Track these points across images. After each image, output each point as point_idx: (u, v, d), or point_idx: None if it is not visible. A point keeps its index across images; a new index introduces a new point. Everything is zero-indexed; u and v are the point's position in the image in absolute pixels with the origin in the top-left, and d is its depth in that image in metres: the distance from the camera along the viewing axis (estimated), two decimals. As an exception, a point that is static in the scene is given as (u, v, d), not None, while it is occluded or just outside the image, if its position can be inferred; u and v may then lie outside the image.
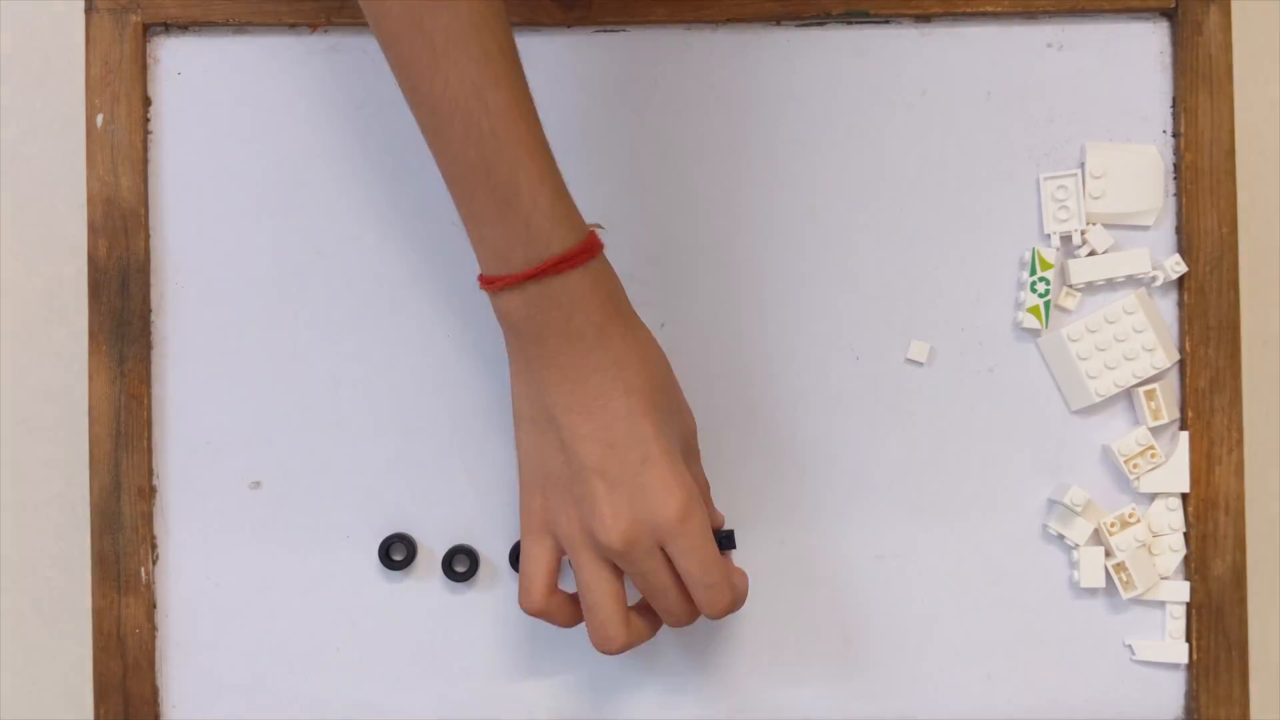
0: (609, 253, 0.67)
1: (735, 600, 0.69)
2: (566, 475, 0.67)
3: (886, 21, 0.77)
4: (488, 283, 0.66)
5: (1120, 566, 0.75)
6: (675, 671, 0.76)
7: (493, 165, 0.63)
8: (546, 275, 0.64)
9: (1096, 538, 0.76)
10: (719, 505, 0.76)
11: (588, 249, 0.65)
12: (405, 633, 0.76)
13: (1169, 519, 0.76)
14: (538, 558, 0.68)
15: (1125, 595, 0.75)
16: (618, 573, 0.68)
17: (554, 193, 0.64)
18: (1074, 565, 0.76)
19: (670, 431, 0.68)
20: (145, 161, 0.76)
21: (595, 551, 0.67)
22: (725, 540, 0.75)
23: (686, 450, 0.70)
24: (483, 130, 0.62)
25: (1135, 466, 0.75)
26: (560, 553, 0.69)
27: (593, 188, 0.76)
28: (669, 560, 0.67)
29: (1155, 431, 0.76)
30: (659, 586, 0.67)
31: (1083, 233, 0.76)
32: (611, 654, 0.68)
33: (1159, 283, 0.76)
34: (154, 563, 0.76)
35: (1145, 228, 0.76)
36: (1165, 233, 0.77)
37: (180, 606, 0.76)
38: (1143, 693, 0.76)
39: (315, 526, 0.76)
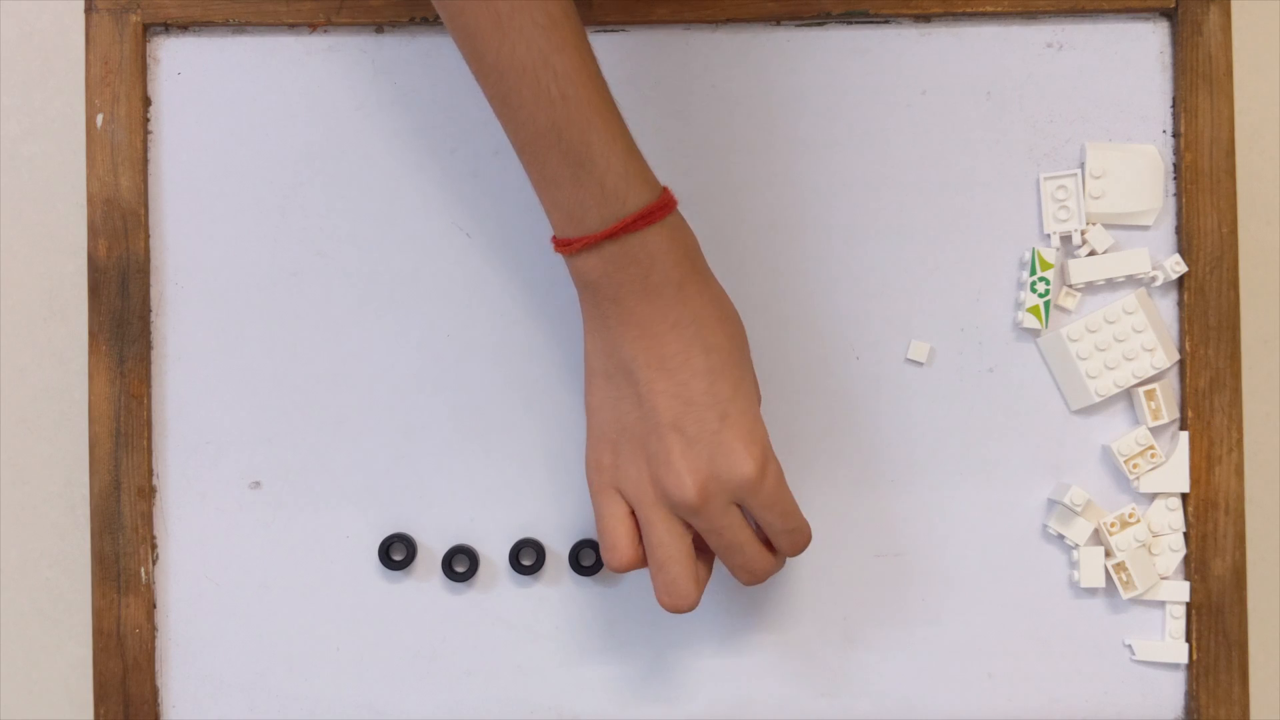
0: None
1: (810, 536, 0.69)
2: (641, 431, 0.66)
3: (886, 21, 0.77)
4: (563, 245, 0.66)
5: (1120, 566, 0.75)
6: (676, 671, 0.76)
7: (563, 129, 0.63)
8: (624, 234, 0.64)
9: (1096, 538, 0.76)
10: (719, 505, 0.76)
11: (664, 205, 0.65)
12: (405, 633, 0.76)
13: (1169, 519, 0.76)
14: (614, 513, 0.68)
15: (1125, 595, 0.75)
16: (688, 530, 0.67)
17: (626, 152, 0.64)
18: (1074, 565, 0.76)
19: (748, 390, 0.67)
20: (145, 161, 0.76)
21: (667, 509, 0.66)
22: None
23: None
24: (552, 96, 0.62)
25: (1135, 466, 0.75)
26: (632, 510, 0.68)
27: (593, 188, 0.76)
28: (741, 514, 0.67)
29: (1155, 431, 0.76)
30: (735, 542, 0.67)
31: (1083, 233, 0.76)
32: (681, 612, 0.68)
33: (1159, 283, 0.76)
34: (154, 563, 0.76)
35: (1145, 228, 0.77)
36: (1165, 233, 0.77)
37: (180, 606, 0.76)
38: (1143, 693, 0.76)
39: (315, 526, 0.76)
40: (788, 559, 0.72)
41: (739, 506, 0.67)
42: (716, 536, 0.67)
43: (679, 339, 0.66)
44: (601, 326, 0.67)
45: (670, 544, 0.67)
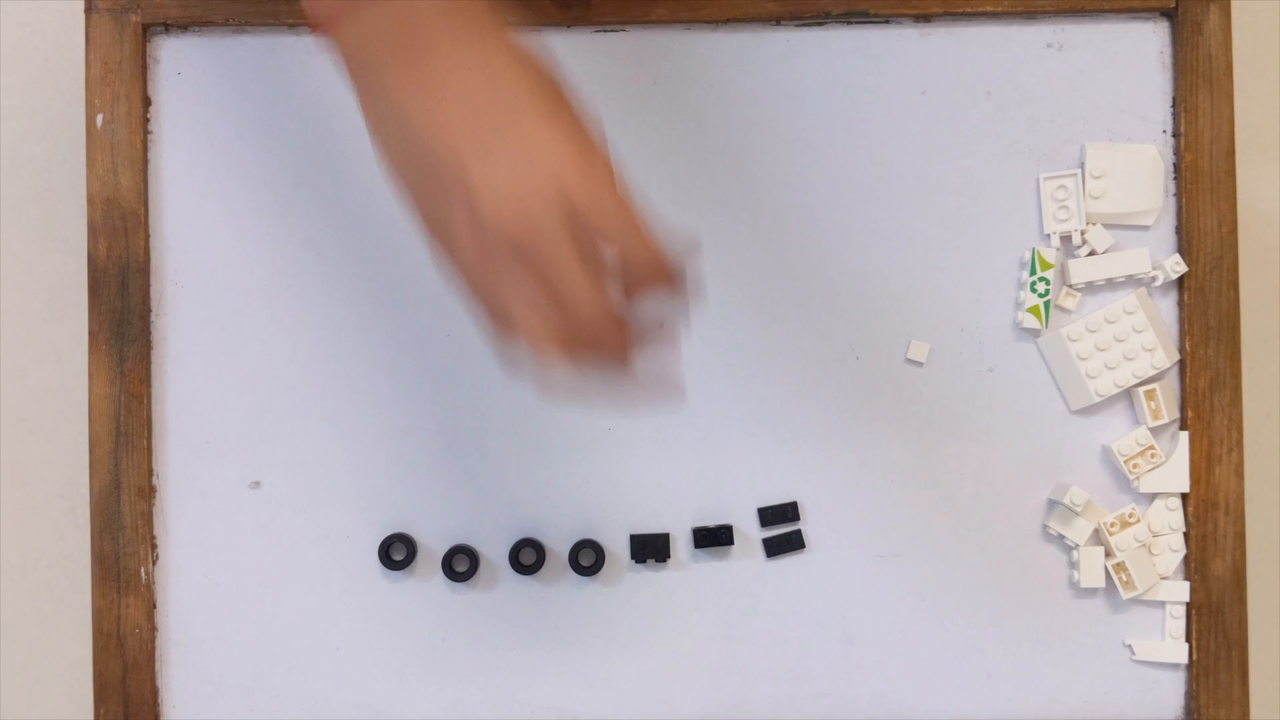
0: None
1: (669, 267, 0.56)
2: (440, 173, 0.55)
3: (886, 21, 0.77)
4: (323, 22, 0.56)
5: (1120, 566, 0.75)
6: (675, 671, 0.76)
7: None
8: None
9: (1096, 538, 0.76)
10: (722, 506, 0.76)
11: None
12: (405, 633, 0.76)
13: (1169, 519, 0.76)
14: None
15: (1125, 595, 0.75)
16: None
17: None
18: (1074, 565, 0.76)
19: (546, 81, 0.55)
20: (145, 161, 0.76)
21: (498, 250, 0.54)
22: (723, 536, 0.75)
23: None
24: None
25: (1135, 466, 0.75)
26: None
27: (593, 188, 0.76)
28: (572, 248, 0.54)
29: (1155, 431, 0.76)
30: (566, 275, 0.54)
31: (1083, 233, 0.76)
32: (610, 351, 0.56)
33: (1159, 283, 0.76)
34: (154, 563, 0.76)
35: (1145, 228, 0.76)
36: (1165, 233, 0.77)
37: (180, 606, 0.76)
38: (1143, 693, 0.76)
39: (315, 526, 0.76)
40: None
41: (574, 229, 0.55)
42: (548, 267, 0.54)
43: (449, 53, 0.55)
44: (372, 96, 0.58)
45: (518, 290, 0.55)
